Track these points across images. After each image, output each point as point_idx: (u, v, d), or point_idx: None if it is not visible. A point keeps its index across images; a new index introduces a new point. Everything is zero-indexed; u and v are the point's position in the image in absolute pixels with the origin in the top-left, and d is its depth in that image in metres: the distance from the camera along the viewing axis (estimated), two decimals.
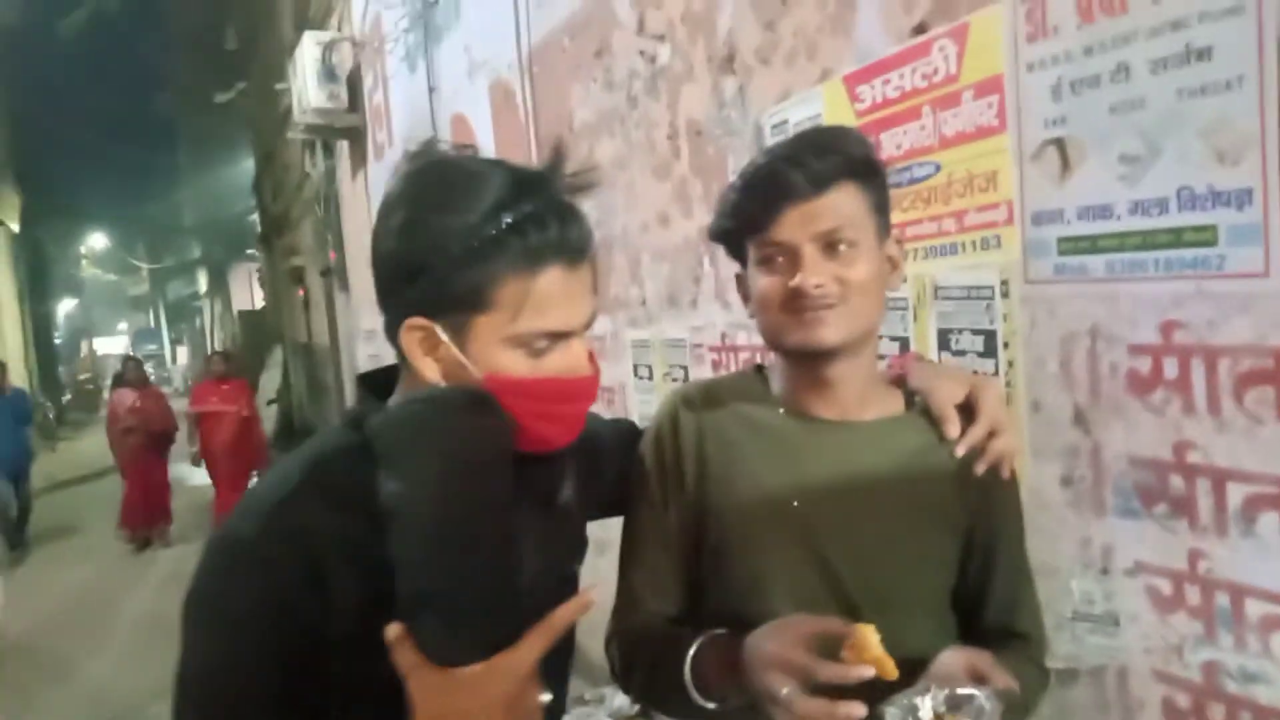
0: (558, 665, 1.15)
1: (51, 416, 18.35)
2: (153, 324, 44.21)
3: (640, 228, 2.97)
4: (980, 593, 1.19)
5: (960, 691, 0.92)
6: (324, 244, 8.72)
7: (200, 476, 8.39)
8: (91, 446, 14.49)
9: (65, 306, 36.68)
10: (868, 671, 0.90)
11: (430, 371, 0.98)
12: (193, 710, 0.92)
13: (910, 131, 1.82)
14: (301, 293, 11.57)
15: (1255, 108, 1.24)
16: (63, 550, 8.62)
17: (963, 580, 1.19)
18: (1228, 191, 1.29)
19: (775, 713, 0.94)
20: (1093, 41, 1.44)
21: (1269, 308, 1.25)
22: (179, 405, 8.99)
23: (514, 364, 0.96)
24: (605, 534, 1.27)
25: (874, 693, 0.92)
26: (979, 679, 0.96)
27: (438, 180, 0.96)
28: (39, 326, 21.71)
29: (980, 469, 1.15)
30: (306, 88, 6.80)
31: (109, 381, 9.49)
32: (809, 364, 1.15)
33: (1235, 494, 1.32)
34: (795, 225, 1.09)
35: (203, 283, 32.92)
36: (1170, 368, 1.39)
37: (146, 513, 8.19)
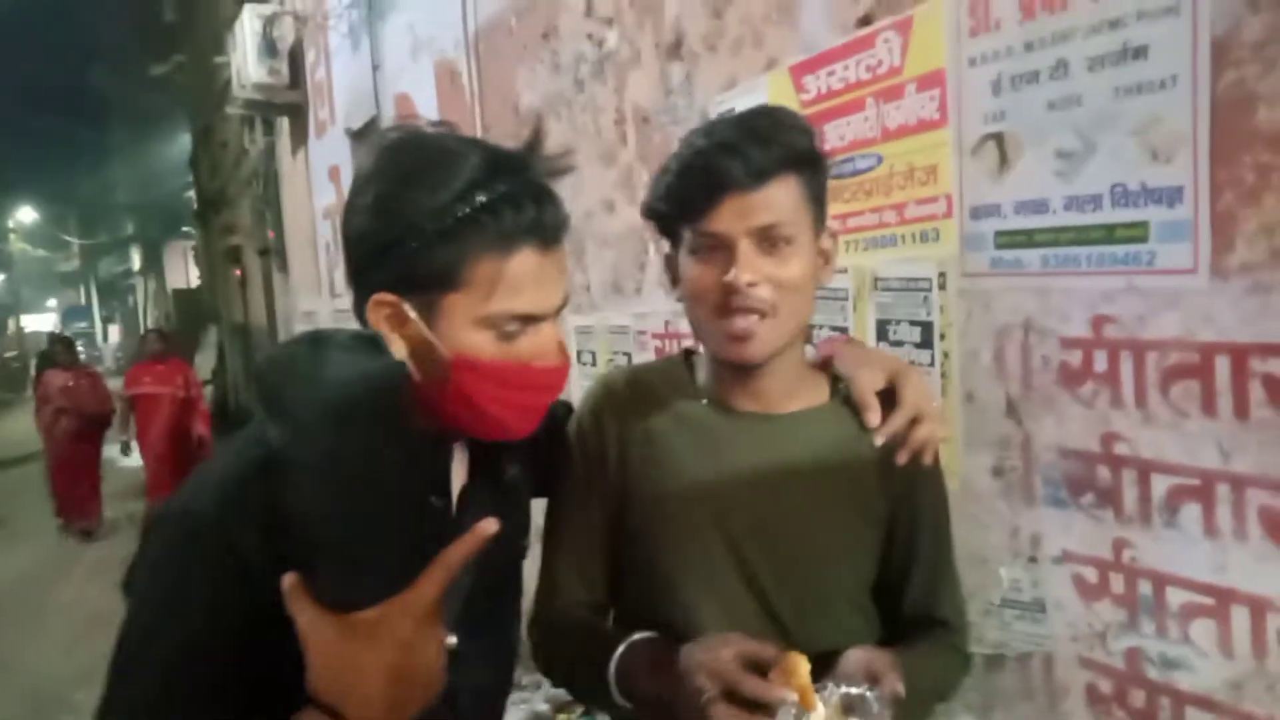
0: (503, 606, 1.17)
1: None
2: (84, 301, 42.97)
3: (584, 214, 2.96)
4: (901, 581, 1.19)
5: (853, 691, 0.95)
6: (262, 223, 8.54)
7: (127, 461, 7.90)
8: (18, 427, 14.05)
9: None
10: (790, 696, 0.91)
11: (397, 348, 0.97)
12: (138, 686, 0.89)
13: (853, 123, 1.83)
14: (238, 272, 11.32)
15: (1188, 107, 1.27)
16: None
17: (884, 569, 1.19)
18: (1159, 189, 1.32)
19: (694, 717, 0.94)
20: (1033, 37, 1.46)
21: (1196, 304, 1.28)
22: (113, 385, 8.42)
23: (483, 345, 0.95)
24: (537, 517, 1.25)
25: None
26: (875, 680, 0.97)
27: (413, 157, 0.96)
28: None
29: (902, 458, 1.14)
30: (246, 62, 6.63)
31: (36, 360, 8.79)
32: (734, 367, 1.14)
33: (1159, 485, 1.35)
34: (732, 217, 1.07)
35: (136, 260, 32.07)
36: (1100, 361, 1.41)
37: (82, 501, 7.76)
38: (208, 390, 11.24)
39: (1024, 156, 1.50)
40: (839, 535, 1.16)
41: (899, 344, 1.77)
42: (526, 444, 1.14)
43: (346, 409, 0.90)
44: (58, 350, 8.13)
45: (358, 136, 5.31)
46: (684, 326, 2.50)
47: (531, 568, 1.22)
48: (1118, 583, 1.42)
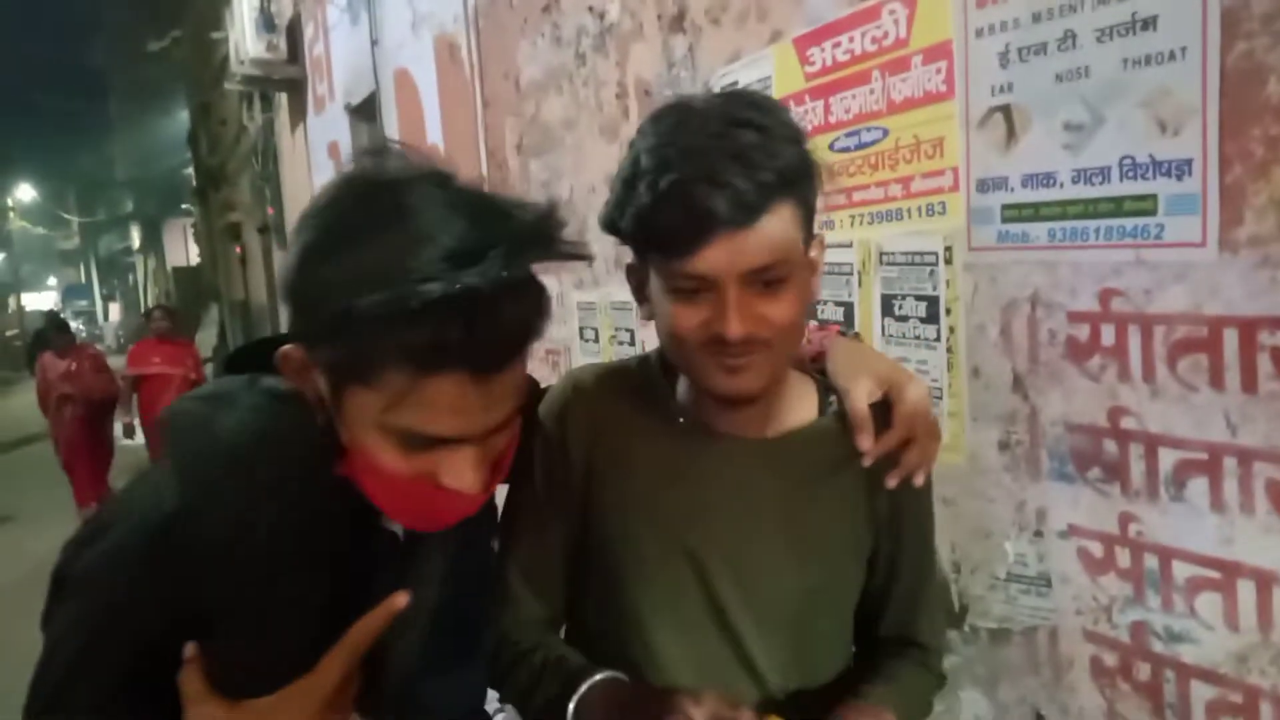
0: (477, 630, 1.10)
1: None
2: (84, 279, 42.95)
3: (588, 189, 2.94)
4: (880, 602, 1.15)
5: None
6: (262, 199, 8.53)
7: (128, 441, 7.54)
8: (22, 405, 14.07)
9: None
10: None
11: (310, 394, 0.86)
12: (48, 681, 0.85)
13: (859, 96, 1.82)
14: (239, 250, 11.30)
15: (1197, 78, 1.26)
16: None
17: (865, 594, 1.15)
18: (1168, 161, 1.30)
19: None
20: (1041, 8, 1.44)
21: (1204, 277, 1.28)
22: (115, 364, 8.03)
23: (382, 450, 0.81)
24: None
25: None
26: None
27: (364, 211, 0.79)
28: None
29: (891, 482, 1.07)
30: (244, 37, 6.60)
31: (30, 342, 8.18)
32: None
33: (1166, 459, 1.35)
34: (720, 260, 0.92)
35: (136, 238, 32.01)
36: (1107, 335, 1.41)
37: (96, 485, 7.28)
38: (208, 369, 11.23)
39: (1031, 129, 1.49)
40: (825, 575, 1.09)
41: (904, 319, 1.76)
42: None
43: (249, 466, 0.81)
44: (51, 332, 7.55)
45: (357, 112, 5.29)
46: None
47: None
48: (1123, 557, 1.43)
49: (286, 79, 6.81)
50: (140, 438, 7.28)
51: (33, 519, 7.68)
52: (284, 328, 0.89)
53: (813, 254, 1.03)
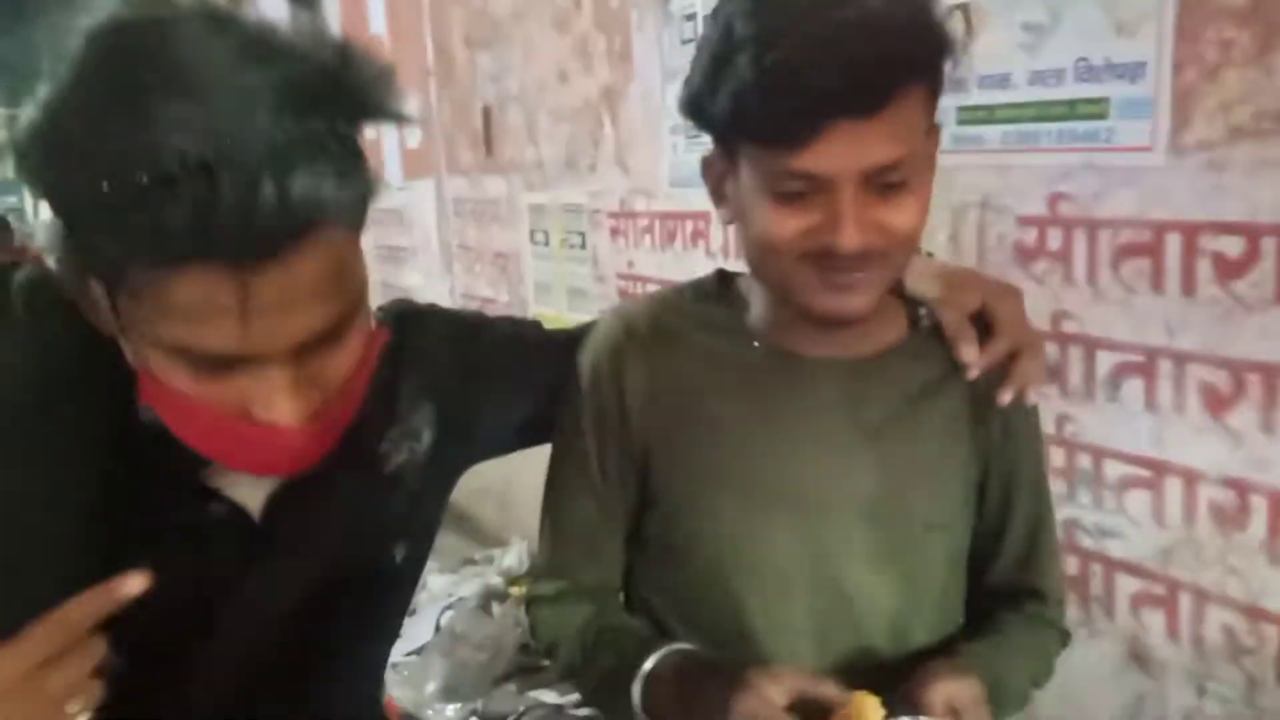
0: (359, 619, 0.92)
1: None
2: (11, 175, 41.19)
3: (538, 85, 2.86)
4: (993, 545, 1.00)
5: None
6: None
7: None
8: None
9: None
10: None
11: (101, 323, 0.69)
12: None
13: None
14: None
15: None
16: None
17: (976, 535, 1.00)
18: (1122, 64, 1.30)
19: None
20: None
21: (1152, 181, 1.29)
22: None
23: (173, 372, 0.66)
24: None
25: None
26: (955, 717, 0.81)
27: (99, 66, 0.61)
28: None
29: (1004, 397, 0.93)
30: None
31: None
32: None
33: (1104, 362, 1.38)
34: (837, 155, 0.77)
35: None
36: (1054, 239, 1.42)
37: None
38: None
39: (989, 27, 1.47)
40: (940, 508, 0.96)
41: None
42: (452, 409, 0.92)
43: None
44: None
45: None
46: (639, 205, 2.47)
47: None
48: (1058, 456, 1.47)
49: None
50: None
51: None
52: None
53: (930, 146, 0.86)
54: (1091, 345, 1.40)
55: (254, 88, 0.58)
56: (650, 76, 2.34)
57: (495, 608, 2.79)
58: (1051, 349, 1.45)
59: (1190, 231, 1.25)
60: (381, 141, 3.74)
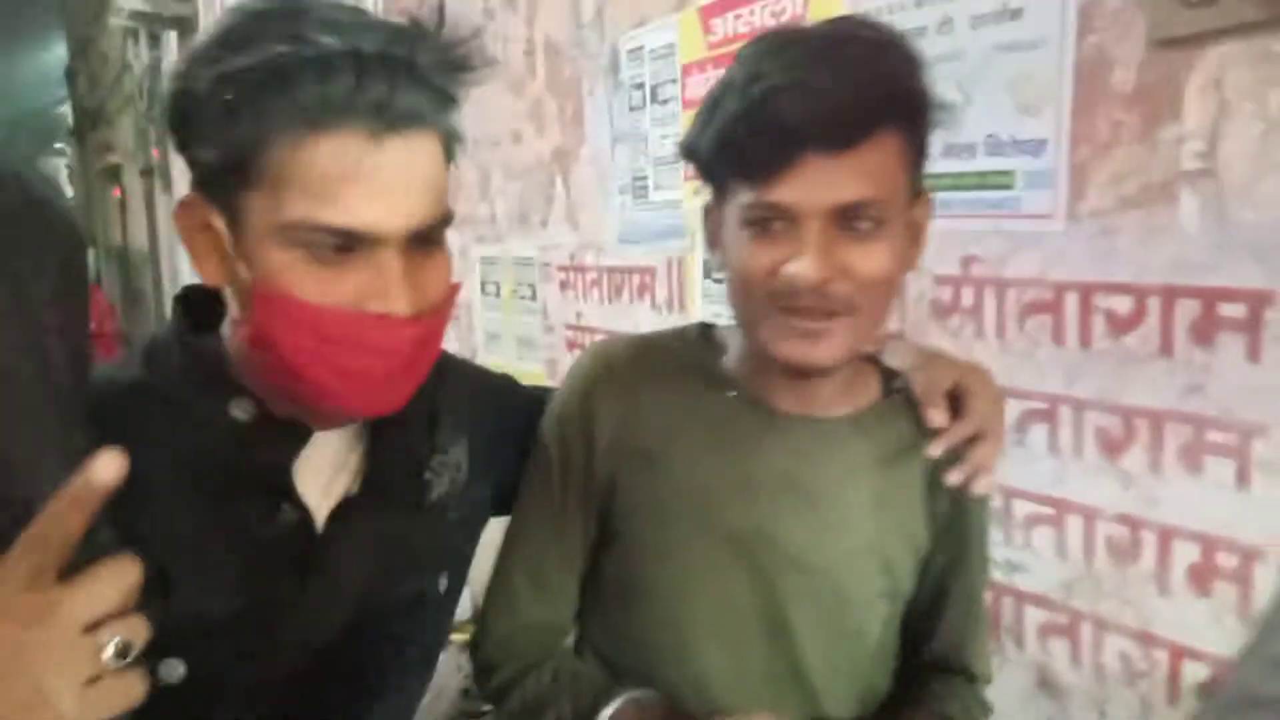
0: (402, 631, 0.93)
1: None
2: None
3: (491, 143, 2.98)
4: (930, 619, 1.02)
5: None
6: (146, 142, 8.19)
7: None
8: None
9: None
10: None
11: (212, 272, 0.76)
12: None
13: None
14: (117, 193, 10.83)
15: (1054, 66, 1.40)
16: None
17: (911, 605, 1.02)
18: (1026, 140, 1.45)
19: None
20: None
21: (1053, 245, 1.43)
22: None
23: (294, 272, 0.70)
24: None
25: None
26: None
27: (234, 17, 0.73)
28: None
29: (954, 478, 0.93)
30: None
31: None
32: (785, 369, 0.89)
33: (1013, 408, 1.50)
34: (807, 187, 0.78)
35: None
36: (967, 297, 1.56)
37: None
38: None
39: None
40: (889, 577, 0.97)
41: None
42: (484, 451, 0.95)
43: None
44: None
45: None
46: (589, 259, 2.58)
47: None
48: None
49: (177, 16, 6.57)
50: None
51: None
52: (165, 277, 0.85)
53: (918, 213, 0.90)
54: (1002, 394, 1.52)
55: (374, 26, 0.72)
56: (601, 139, 2.47)
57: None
58: None
59: (1086, 291, 1.39)
60: None
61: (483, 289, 3.17)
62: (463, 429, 0.95)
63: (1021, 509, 1.51)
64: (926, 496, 0.97)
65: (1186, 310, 1.26)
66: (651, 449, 0.95)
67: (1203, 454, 1.26)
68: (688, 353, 1.01)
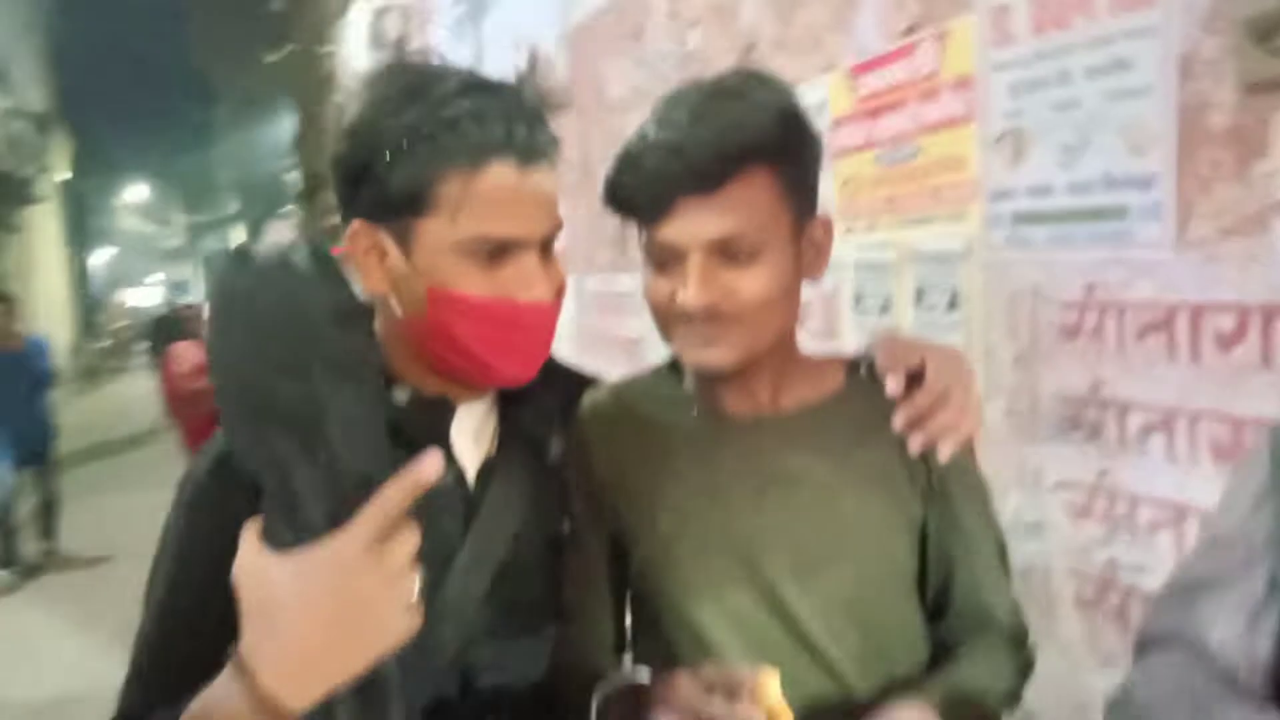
0: (533, 603, 1.05)
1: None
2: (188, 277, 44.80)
3: None
4: (945, 582, 1.06)
5: None
6: None
7: None
8: (129, 394, 14.82)
9: (99, 256, 37.32)
10: (758, 717, 0.82)
11: (377, 283, 0.94)
12: (149, 636, 0.91)
13: (898, 118, 2.14)
14: (336, 251, 11.90)
15: (1161, 110, 1.55)
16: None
17: (924, 579, 1.07)
18: (1138, 177, 1.60)
19: None
20: (1043, 50, 1.75)
21: (1165, 272, 1.57)
22: None
23: (462, 276, 0.90)
24: None
25: None
26: None
27: (390, 82, 0.93)
28: (80, 274, 22.24)
29: (913, 446, 1.00)
30: (354, 53, 7.10)
31: (154, 328, 6.95)
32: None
33: (1134, 420, 1.64)
34: (681, 227, 0.91)
35: (238, 238, 33.51)
36: (1090, 319, 1.70)
37: None
38: None
39: (1034, 149, 1.79)
40: (875, 551, 1.02)
41: (932, 308, 2.07)
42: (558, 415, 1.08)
43: (296, 352, 0.76)
44: (186, 319, 6.48)
45: None
46: None
47: None
48: (1100, 504, 1.72)
49: None
50: None
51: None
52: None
53: (815, 235, 0.99)
54: (1124, 407, 1.66)
55: (503, 84, 0.94)
56: None
57: None
58: (1091, 411, 1.72)
59: (1195, 311, 1.52)
60: None
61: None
62: (563, 428, 1.12)
63: (1145, 514, 1.64)
64: (905, 466, 1.02)
65: None
66: (640, 480, 1.06)
67: None
68: (658, 384, 1.12)
